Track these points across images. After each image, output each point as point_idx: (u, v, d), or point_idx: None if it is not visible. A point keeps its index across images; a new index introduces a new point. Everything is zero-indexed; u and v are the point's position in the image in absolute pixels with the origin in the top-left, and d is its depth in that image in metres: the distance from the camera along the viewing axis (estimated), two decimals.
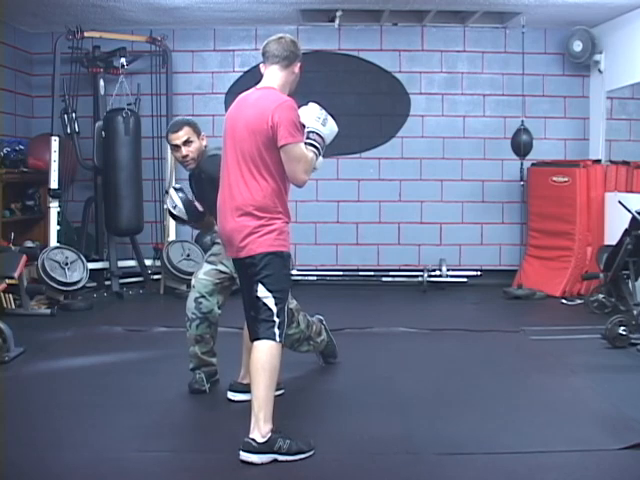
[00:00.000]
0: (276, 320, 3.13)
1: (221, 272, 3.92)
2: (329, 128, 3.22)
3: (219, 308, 3.96)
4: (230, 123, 3.26)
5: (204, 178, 3.82)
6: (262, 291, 3.13)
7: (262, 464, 3.01)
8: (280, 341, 3.13)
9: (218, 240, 3.87)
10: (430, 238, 7.65)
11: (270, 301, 3.13)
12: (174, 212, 3.97)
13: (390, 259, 7.67)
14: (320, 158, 3.23)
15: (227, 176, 3.24)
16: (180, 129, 3.87)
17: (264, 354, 3.09)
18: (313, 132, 3.18)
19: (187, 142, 3.85)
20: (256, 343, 3.14)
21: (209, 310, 3.92)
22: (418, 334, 5.42)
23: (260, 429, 3.04)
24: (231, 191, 3.20)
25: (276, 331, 3.12)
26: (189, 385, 3.97)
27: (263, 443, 3.03)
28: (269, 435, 3.05)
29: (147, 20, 7.12)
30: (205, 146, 3.92)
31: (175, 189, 3.99)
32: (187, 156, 3.86)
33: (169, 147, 4.03)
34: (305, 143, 3.15)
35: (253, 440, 3.03)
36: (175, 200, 3.94)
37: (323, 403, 3.93)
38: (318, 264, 7.63)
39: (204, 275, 3.94)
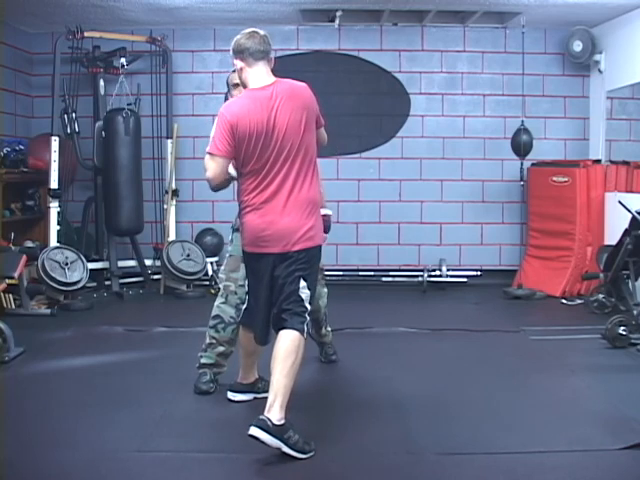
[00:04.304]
0: (307, 317, 3.25)
1: None
2: None
3: None
4: (254, 122, 3.18)
5: None
6: (303, 287, 3.24)
7: (269, 446, 3.00)
8: (306, 337, 3.22)
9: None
10: (430, 238, 7.65)
11: (307, 297, 3.24)
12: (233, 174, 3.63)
13: (390, 259, 7.66)
14: None
15: (269, 172, 3.21)
16: None
17: (292, 343, 3.15)
18: None
19: None
20: (283, 332, 3.18)
21: None
22: (418, 334, 5.41)
23: (276, 412, 3.04)
24: (289, 187, 3.21)
25: (305, 327, 3.22)
26: (196, 385, 3.94)
27: (277, 426, 3.01)
28: (284, 421, 3.05)
29: (147, 20, 7.12)
30: None
31: None
32: None
33: (227, 85, 4.05)
34: None
35: (269, 419, 3.02)
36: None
37: (323, 403, 3.92)
38: None
39: (245, 281, 3.79)
